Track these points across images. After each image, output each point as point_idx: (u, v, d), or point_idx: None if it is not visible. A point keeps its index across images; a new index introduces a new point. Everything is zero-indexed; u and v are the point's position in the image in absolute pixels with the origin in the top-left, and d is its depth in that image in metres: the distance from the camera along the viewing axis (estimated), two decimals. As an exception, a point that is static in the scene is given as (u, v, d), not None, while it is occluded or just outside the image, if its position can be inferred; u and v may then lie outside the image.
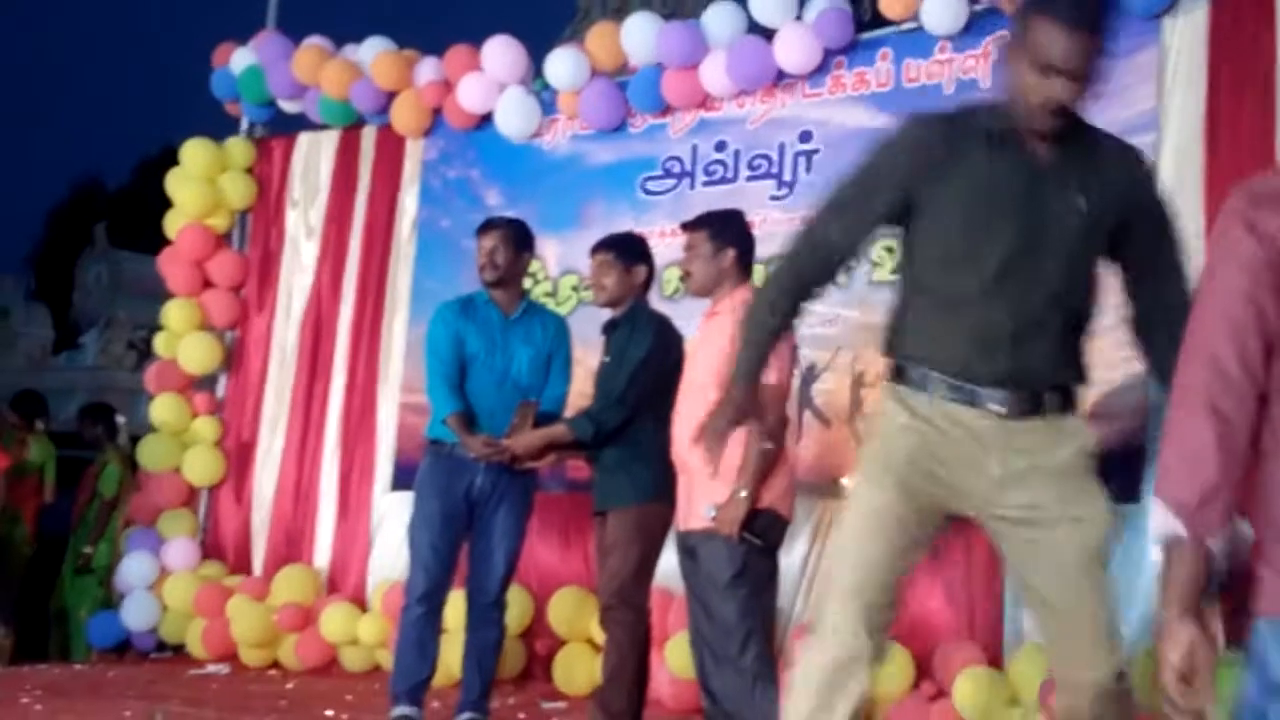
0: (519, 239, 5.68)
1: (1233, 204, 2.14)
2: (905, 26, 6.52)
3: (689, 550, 4.76)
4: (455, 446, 5.48)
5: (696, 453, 4.70)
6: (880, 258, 6.36)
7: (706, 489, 4.61)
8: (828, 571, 3.28)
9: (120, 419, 9.12)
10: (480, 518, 5.53)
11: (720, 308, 4.83)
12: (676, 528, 4.87)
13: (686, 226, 4.99)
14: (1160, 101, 5.81)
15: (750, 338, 3.29)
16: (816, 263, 3.28)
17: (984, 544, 5.81)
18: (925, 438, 3.10)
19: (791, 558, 5.92)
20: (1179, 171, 5.68)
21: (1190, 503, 2.05)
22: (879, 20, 6.65)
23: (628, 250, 5.39)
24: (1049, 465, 3.08)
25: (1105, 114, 5.83)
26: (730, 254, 4.86)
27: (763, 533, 4.61)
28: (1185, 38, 5.81)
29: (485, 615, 5.56)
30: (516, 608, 6.74)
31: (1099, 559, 3.08)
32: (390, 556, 7.39)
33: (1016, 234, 3.04)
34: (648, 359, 5.16)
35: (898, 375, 3.19)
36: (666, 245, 6.88)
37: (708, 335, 4.83)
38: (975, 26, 6.31)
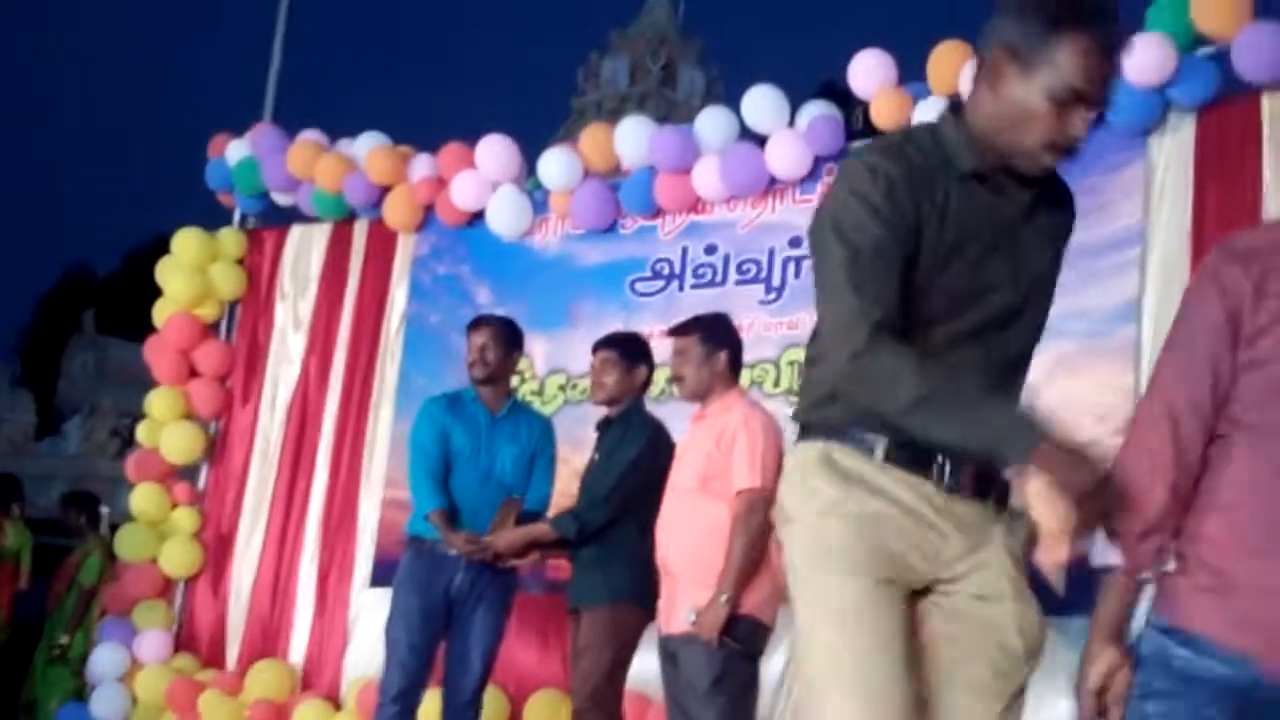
0: (509, 337, 5.70)
1: (1209, 260, 2.27)
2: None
3: (670, 655, 4.72)
4: (436, 543, 5.45)
5: (681, 556, 4.71)
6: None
7: (689, 593, 4.59)
8: None
9: (104, 509, 9.07)
10: (458, 616, 5.49)
11: (710, 411, 4.84)
12: (658, 631, 4.83)
13: (677, 331, 5.00)
14: (1147, 217, 5.86)
15: (960, 413, 2.34)
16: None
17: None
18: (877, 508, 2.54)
19: (771, 665, 5.86)
20: (1165, 286, 5.72)
21: (1131, 538, 2.24)
22: (870, 129, 6.71)
23: (631, 350, 5.39)
24: (1001, 545, 2.59)
25: (1092, 229, 5.95)
26: (722, 358, 4.87)
27: (743, 639, 4.57)
28: (1172, 154, 5.87)
29: (460, 716, 5.49)
30: (493, 709, 6.65)
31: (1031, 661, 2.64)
32: (367, 653, 7.30)
33: (996, 287, 2.55)
34: (637, 461, 5.14)
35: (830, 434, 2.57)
36: (655, 347, 6.89)
37: (696, 439, 4.83)
38: (965, 138, 6.36)
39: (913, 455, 2.48)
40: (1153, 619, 2.28)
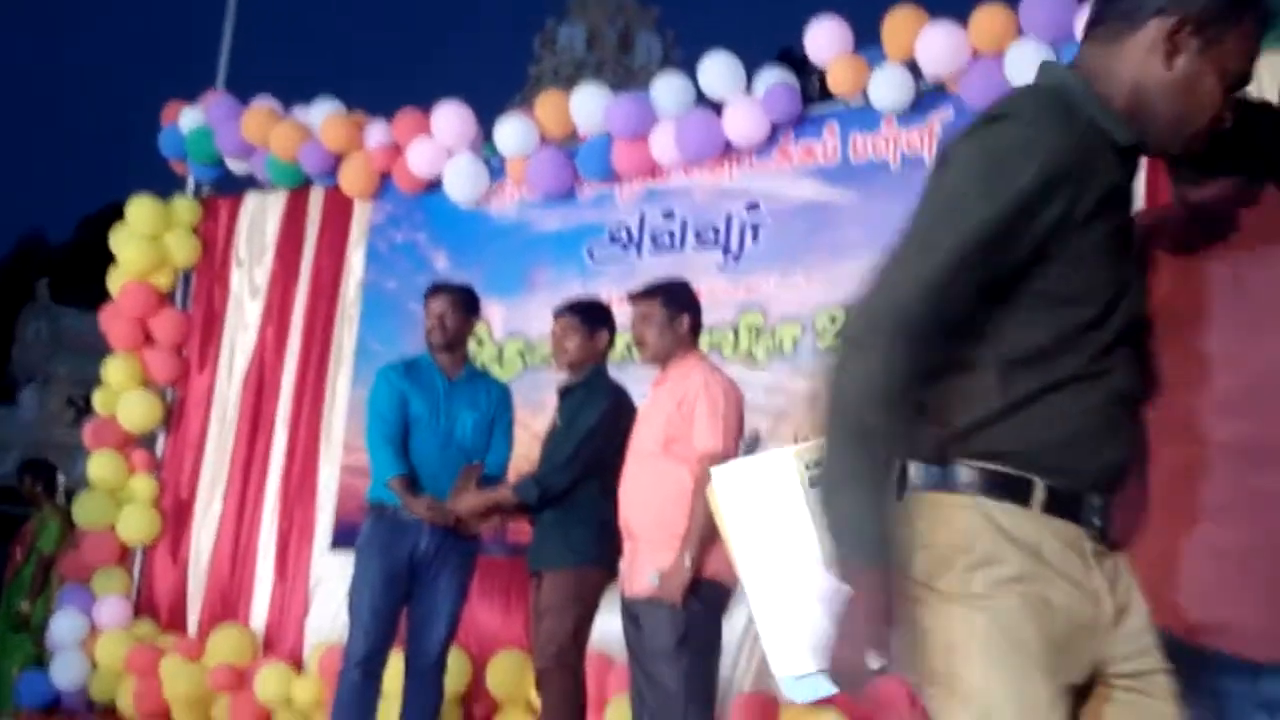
0: (467, 304, 5.72)
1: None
2: (852, 103, 6.62)
3: (632, 616, 4.76)
4: (398, 509, 5.47)
5: (644, 519, 4.75)
6: (825, 327, 6.42)
7: (651, 556, 4.64)
8: None
9: (61, 476, 9.04)
10: (421, 581, 5.51)
11: (670, 375, 4.88)
12: (621, 593, 4.87)
13: (639, 295, 5.02)
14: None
15: None
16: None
17: None
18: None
19: (733, 625, 5.91)
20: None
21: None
22: (826, 95, 6.75)
23: (592, 315, 5.41)
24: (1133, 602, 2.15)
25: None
26: (684, 321, 4.92)
27: (706, 600, 4.62)
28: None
29: (425, 678, 5.52)
30: (455, 670, 6.69)
31: None
32: (328, 618, 7.33)
33: (1136, 283, 2.21)
34: (598, 425, 5.16)
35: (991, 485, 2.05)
36: (614, 312, 6.92)
37: (656, 402, 4.86)
38: (921, 104, 6.42)
39: (1068, 497, 2.06)
40: None
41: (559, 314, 5.44)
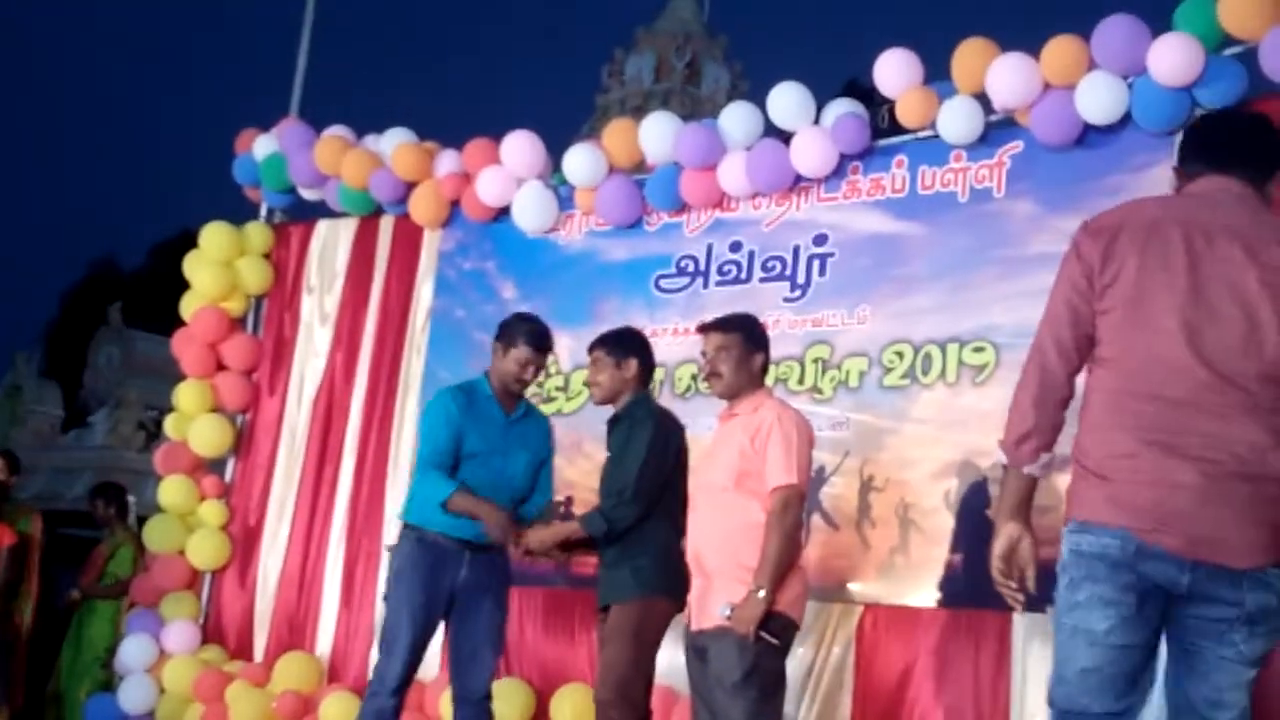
0: (550, 348, 5.71)
1: (1074, 234, 3.06)
2: (921, 134, 6.59)
3: (698, 650, 4.76)
4: (439, 536, 5.39)
5: (714, 553, 4.75)
6: (892, 362, 6.39)
7: (723, 590, 4.66)
8: None
9: (131, 499, 9.13)
10: (464, 610, 5.44)
11: (740, 409, 4.90)
12: (687, 627, 4.86)
13: (717, 328, 5.03)
14: (1173, 216, 5.84)
15: None
16: None
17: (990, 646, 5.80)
18: None
19: (796, 663, 5.88)
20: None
21: (1010, 443, 3.03)
22: (895, 128, 6.72)
23: (617, 345, 5.39)
24: None
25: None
26: (759, 359, 4.97)
27: (777, 634, 4.62)
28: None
29: (478, 709, 5.47)
30: (518, 703, 6.71)
31: None
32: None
33: None
34: (649, 455, 5.10)
35: None
36: (680, 343, 6.94)
37: (727, 436, 4.88)
38: (990, 137, 6.38)
39: None
40: (1065, 528, 2.99)
41: (590, 349, 5.45)
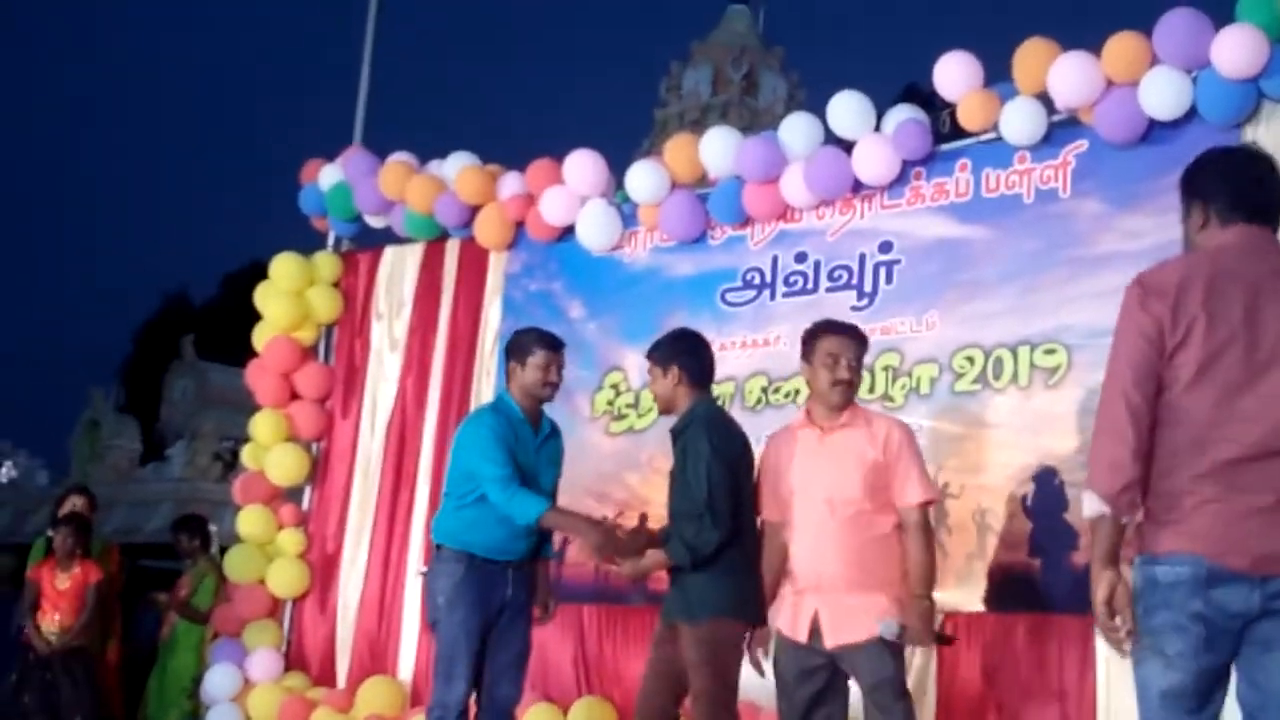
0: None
1: (1133, 289, 3.28)
2: (984, 137, 6.55)
3: (832, 664, 4.84)
4: (485, 559, 5.47)
5: (842, 569, 4.77)
6: (962, 367, 6.36)
7: (867, 606, 4.78)
8: None
9: (213, 529, 9.23)
10: (500, 628, 5.54)
11: (847, 420, 4.97)
12: (797, 644, 4.90)
13: (859, 335, 5.13)
14: (1243, 209, 5.78)
15: None
16: None
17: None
18: None
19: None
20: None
21: (1113, 494, 3.13)
22: (957, 131, 6.69)
23: (661, 351, 5.28)
24: None
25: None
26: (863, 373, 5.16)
27: (941, 638, 5.00)
28: (1267, 145, 5.75)
29: None
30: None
31: None
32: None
33: None
34: (712, 472, 4.92)
35: None
36: (748, 356, 6.94)
37: (844, 449, 4.93)
38: (1054, 137, 6.34)
39: None
40: (1137, 560, 3.19)
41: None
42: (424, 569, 5.90)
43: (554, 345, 5.67)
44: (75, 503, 8.64)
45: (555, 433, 5.77)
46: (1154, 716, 3.16)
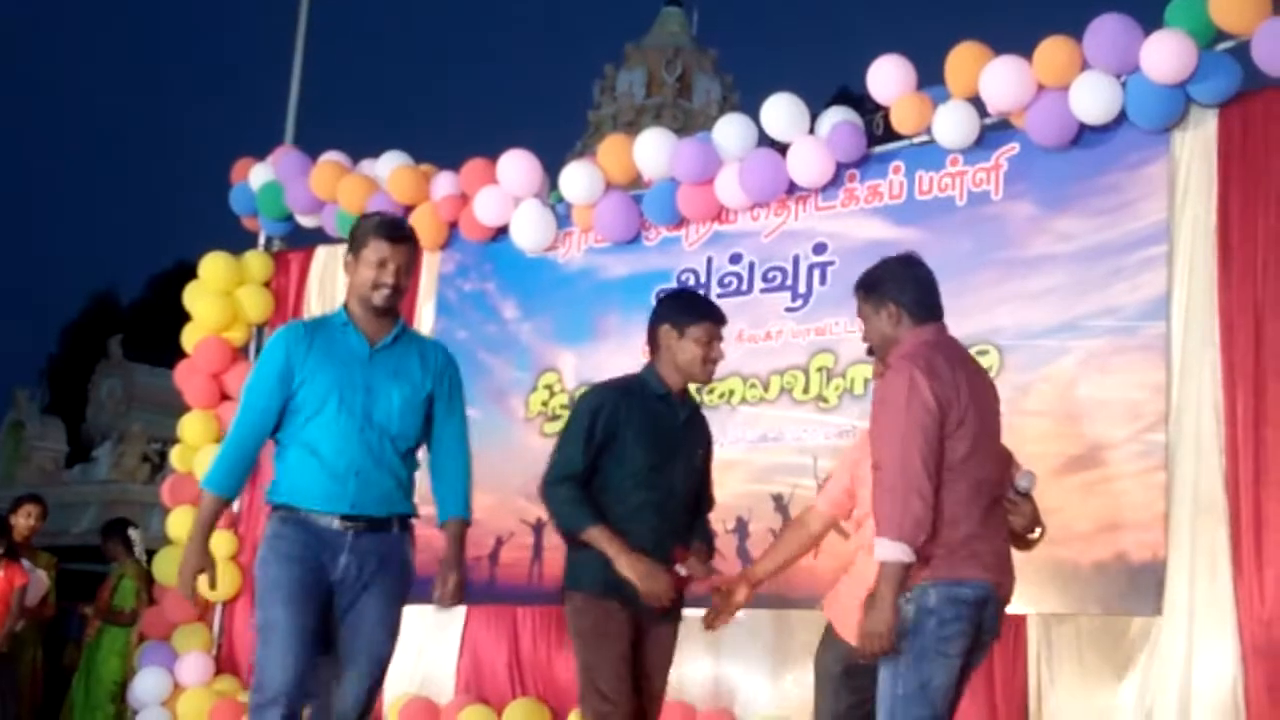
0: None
1: (915, 366, 3.80)
2: (917, 140, 6.60)
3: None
4: (311, 512, 4.20)
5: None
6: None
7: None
8: None
9: (134, 532, 9.12)
10: (342, 608, 4.19)
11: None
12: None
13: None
14: (1171, 213, 5.86)
15: None
16: None
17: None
18: None
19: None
20: (1192, 282, 5.74)
21: (914, 543, 3.71)
22: (890, 134, 6.73)
23: (648, 336, 4.76)
24: None
25: (1116, 227, 5.97)
26: None
27: None
28: (1195, 150, 5.87)
29: None
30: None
31: None
32: (406, 669, 7.32)
33: None
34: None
35: None
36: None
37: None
38: (985, 140, 6.39)
39: None
40: (933, 583, 3.75)
41: None
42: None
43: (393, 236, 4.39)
44: (30, 512, 8.48)
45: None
46: (934, 707, 3.78)
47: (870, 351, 4.15)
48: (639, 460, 4.43)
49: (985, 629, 3.89)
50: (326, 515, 4.20)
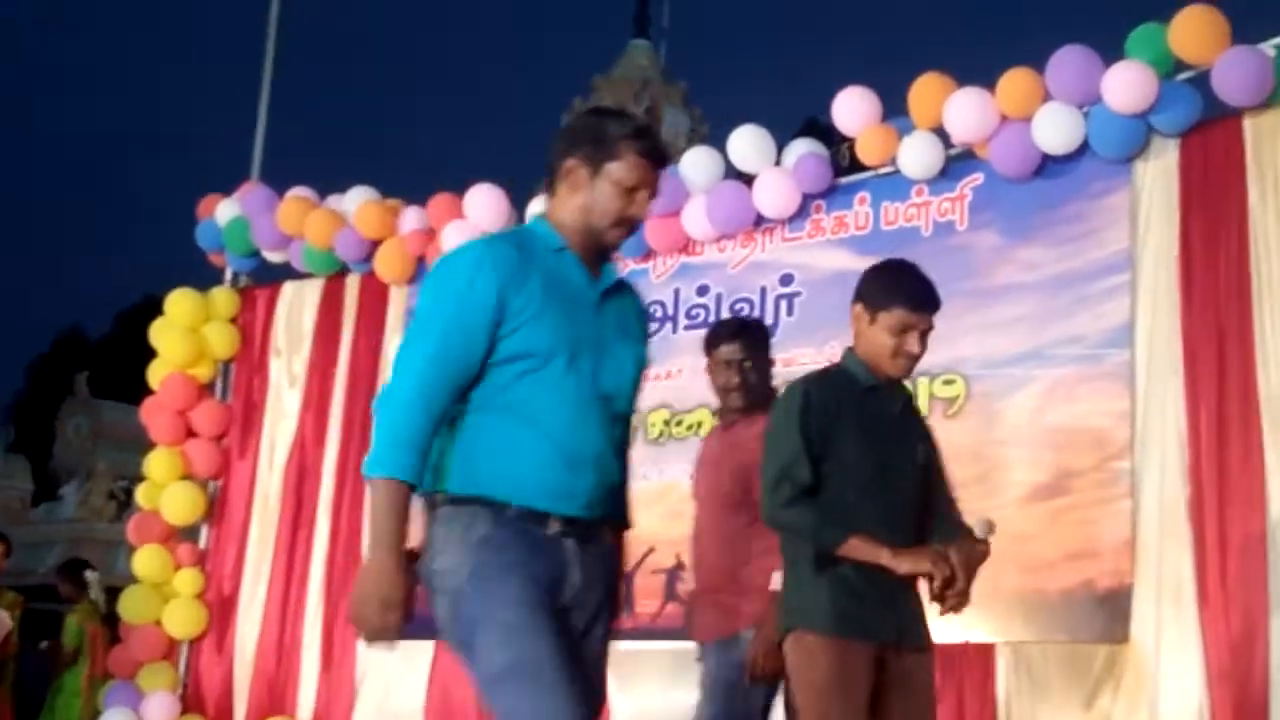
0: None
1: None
2: (882, 171, 6.63)
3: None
4: (531, 513, 2.89)
5: None
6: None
7: None
8: None
9: (90, 574, 9.12)
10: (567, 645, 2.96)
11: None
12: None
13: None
14: (1134, 242, 5.90)
15: None
16: None
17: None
18: None
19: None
20: (1155, 310, 5.77)
21: None
22: (856, 165, 6.76)
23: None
24: None
25: (1080, 256, 6.00)
26: None
27: None
28: (1157, 180, 5.91)
29: None
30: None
31: None
32: (374, 709, 7.27)
33: None
34: None
35: None
36: (651, 388, 6.87)
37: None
38: (950, 170, 6.43)
39: None
40: None
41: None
42: None
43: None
44: None
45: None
46: None
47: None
48: (861, 465, 3.67)
49: None
50: (550, 517, 2.91)
